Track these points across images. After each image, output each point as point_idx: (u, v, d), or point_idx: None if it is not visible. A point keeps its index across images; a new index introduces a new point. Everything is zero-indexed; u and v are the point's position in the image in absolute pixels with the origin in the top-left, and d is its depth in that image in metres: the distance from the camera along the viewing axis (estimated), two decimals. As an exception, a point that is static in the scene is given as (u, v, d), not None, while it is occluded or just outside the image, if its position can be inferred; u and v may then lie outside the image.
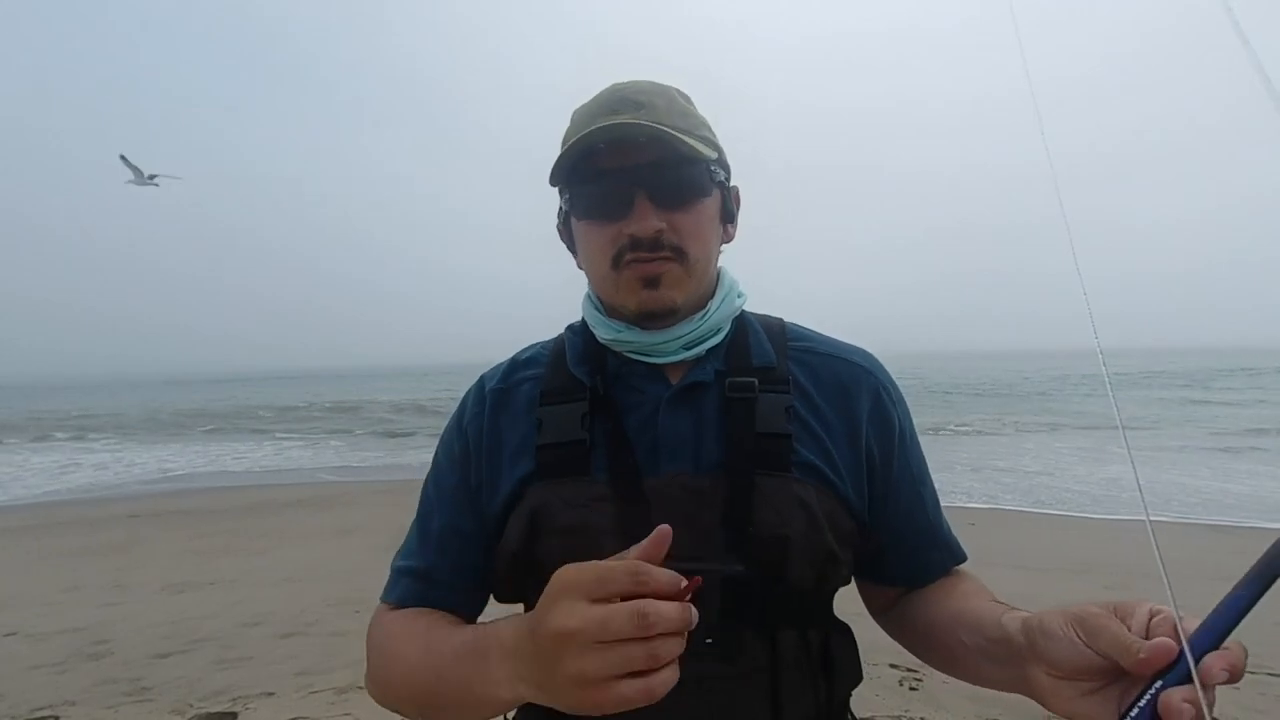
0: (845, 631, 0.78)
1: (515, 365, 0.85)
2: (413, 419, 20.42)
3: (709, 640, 0.66)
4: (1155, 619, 0.49)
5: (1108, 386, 0.50)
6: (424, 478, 0.86)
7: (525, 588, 0.74)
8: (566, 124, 0.79)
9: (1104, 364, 0.49)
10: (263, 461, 13.19)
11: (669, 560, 0.61)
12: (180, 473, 11.76)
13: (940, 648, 0.75)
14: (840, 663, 0.74)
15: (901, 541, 0.81)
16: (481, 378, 0.85)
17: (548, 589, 0.54)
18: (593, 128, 0.71)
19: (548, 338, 0.89)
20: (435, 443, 0.86)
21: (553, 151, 0.75)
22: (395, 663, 0.71)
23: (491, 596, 0.82)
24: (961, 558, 0.85)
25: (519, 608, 0.74)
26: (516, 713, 0.80)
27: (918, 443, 0.84)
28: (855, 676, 0.77)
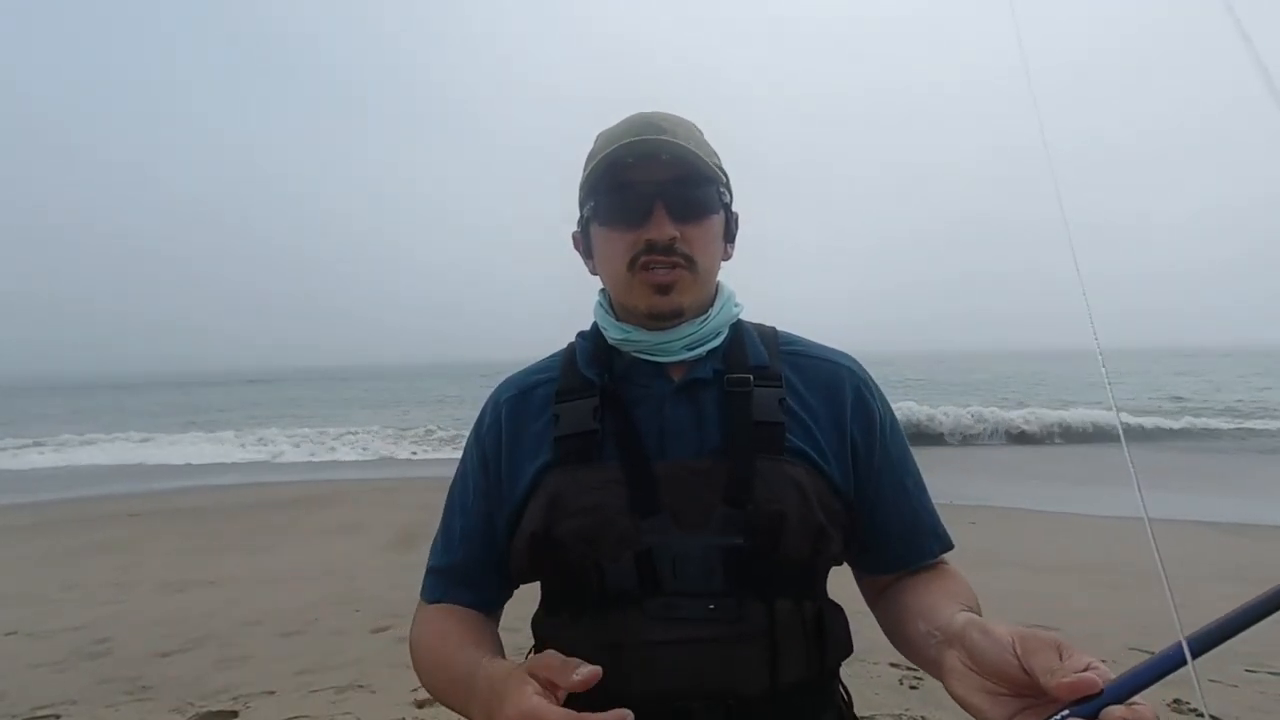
0: (838, 609, 0.84)
1: (530, 373, 0.94)
2: (414, 417, 20.45)
3: (711, 607, 0.74)
4: (1087, 670, 0.52)
5: (1107, 386, 0.50)
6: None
7: (542, 567, 0.82)
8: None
9: (1103, 363, 0.50)
10: (263, 459, 13.20)
11: (678, 532, 0.76)
12: (181, 471, 11.76)
13: (901, 633, 0.83)
14: (832, 633, 0.81)
15: (888, 527, 0.88)
16: (496, 391, 0.94)
17: (503, 692, 0.65)
18: (622, 142, 0.80)
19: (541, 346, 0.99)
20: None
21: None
22: (421, 666, 0.85)
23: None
24: (949, 545, 0.91)
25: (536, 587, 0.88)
26: None
27: (900, 433, 0.92)
28: (846, 647, 0.84)
